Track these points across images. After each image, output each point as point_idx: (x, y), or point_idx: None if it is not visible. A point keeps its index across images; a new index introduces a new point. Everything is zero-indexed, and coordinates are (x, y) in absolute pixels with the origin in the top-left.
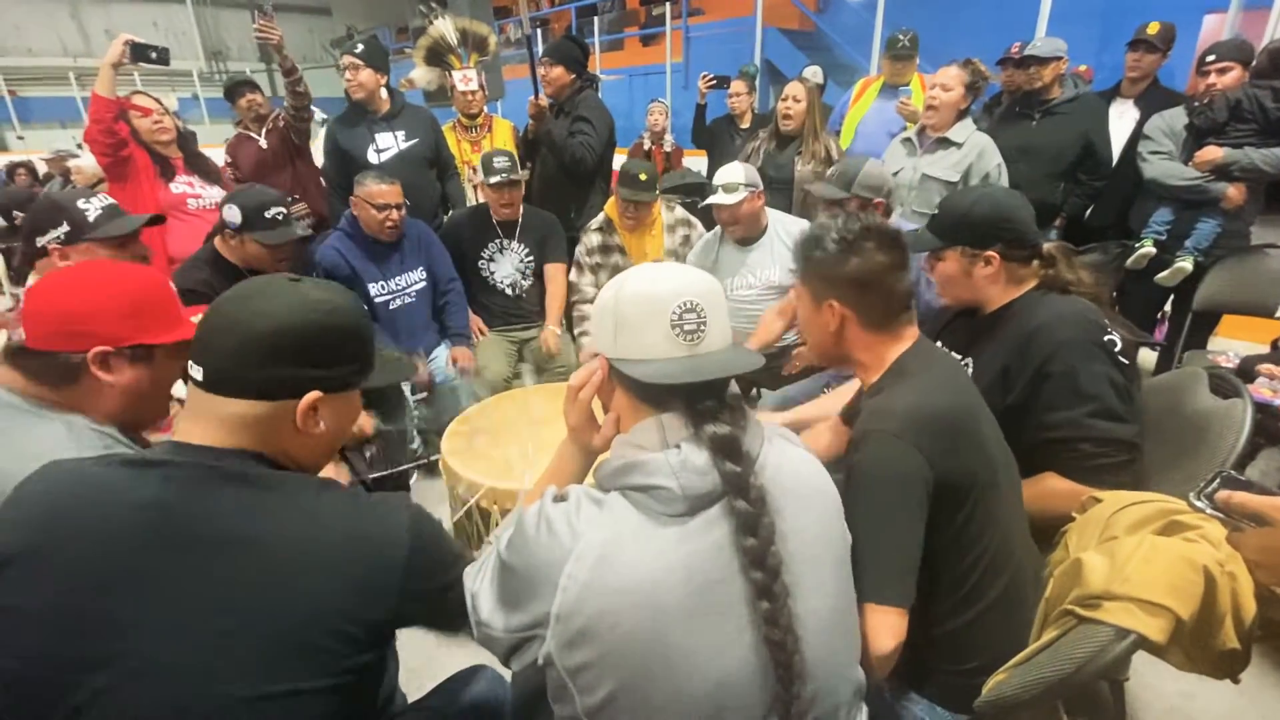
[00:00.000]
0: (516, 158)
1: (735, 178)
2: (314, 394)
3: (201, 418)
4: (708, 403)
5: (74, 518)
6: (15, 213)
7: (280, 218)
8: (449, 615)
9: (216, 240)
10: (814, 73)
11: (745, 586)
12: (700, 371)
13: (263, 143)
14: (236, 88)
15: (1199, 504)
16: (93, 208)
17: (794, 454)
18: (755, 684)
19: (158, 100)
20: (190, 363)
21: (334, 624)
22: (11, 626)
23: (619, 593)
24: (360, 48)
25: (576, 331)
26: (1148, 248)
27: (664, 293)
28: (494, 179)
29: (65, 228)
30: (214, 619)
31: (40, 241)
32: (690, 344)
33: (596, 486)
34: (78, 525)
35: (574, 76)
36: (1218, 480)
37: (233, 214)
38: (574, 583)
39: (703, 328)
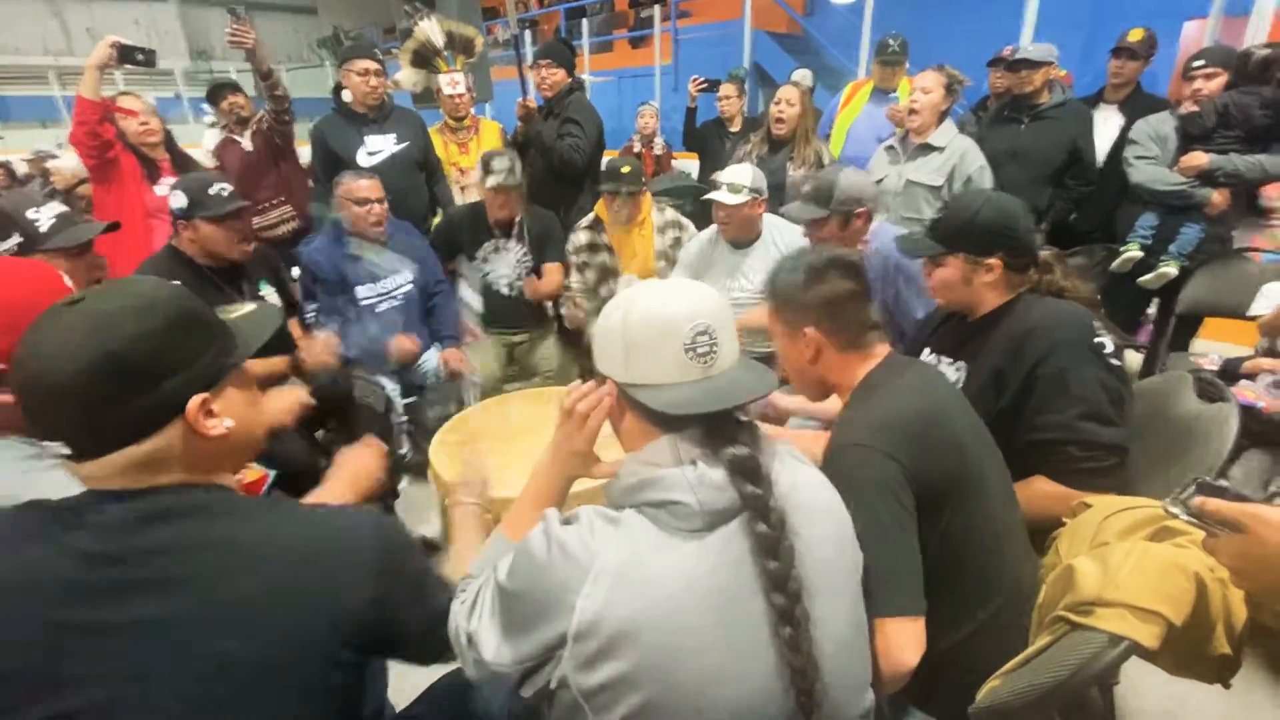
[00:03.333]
0: (518, 159)
1: (743, 179)
2: (194, 399)
3: (99, 479)
4: (726, 425)
5: (1, 577)
6: None
7: (225, 194)
8: (417, 643)
9: (176, 239)
10: (804, 76)
11: (764, 606)
12: (719, 397)
13: (247, 145)
14: (218, 90)
15: (1174, 510)
16: (43, 218)
17: (804, 473)
18: (775, 707)
19: (143, 100)
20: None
21: (307, 649)
22: None
23: (640, 610)
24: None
25: (564, 310)
26: (1133, 252)
27: (675, 317)
28: (491, 180)
29: (18, 238)
30: (176, 661)
31: None
32: (704, 366)
33: (608, 505)
34: (7, 582)
35: (570, 79)
36: (1194, 486)
37: (179, 200)
38: (592, 602)
39: (715, 349)
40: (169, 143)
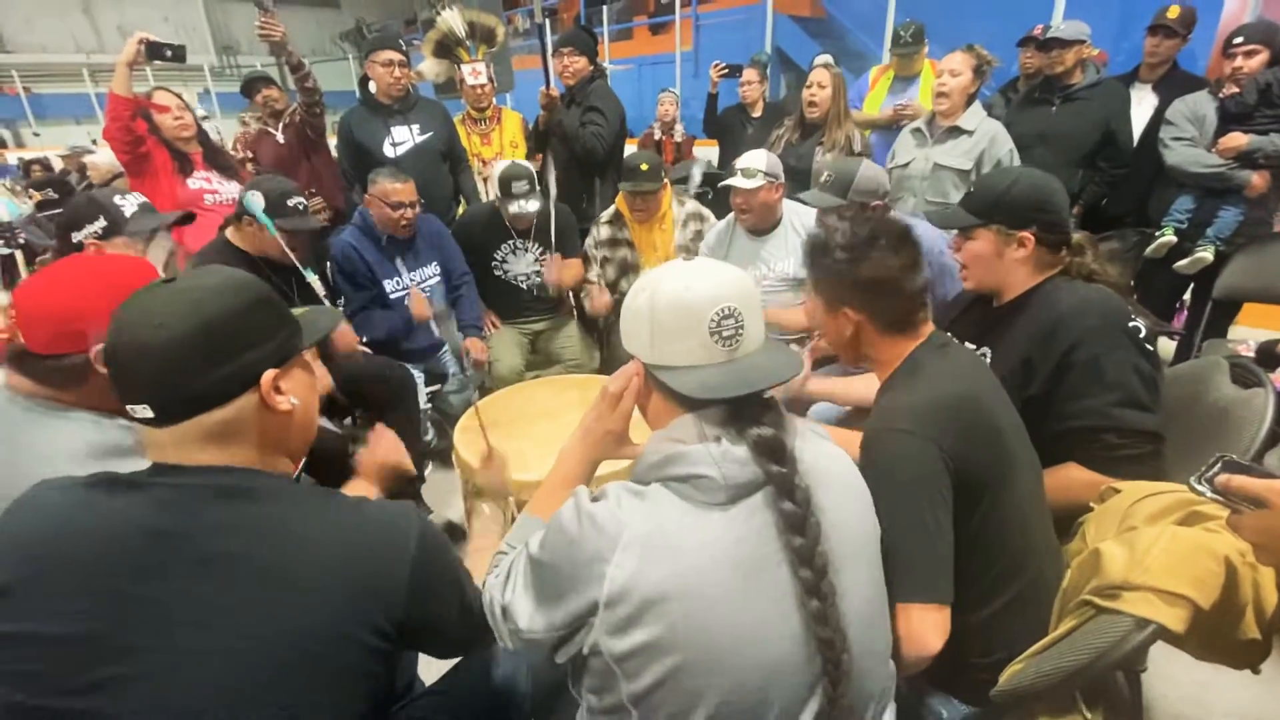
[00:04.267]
0: (535, 179)
1: (757, 164)
2: (270, 372)
3: (172, 447)
4: (750, 406)
5: (68, 544)
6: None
7: (301, 208)
8: (450, 630)
9: (229, 230)
10: (824, 59)
11: (790, 576)
12: (743, 381)
13: (280, 138)
14: (253, 83)
15: (1200, 488)
16: (129, 204)
17: (825, 449)
18: (801, 673)
19: (179, 96)
20: (129, 408)
21: (344, 638)
22: (12, 655)
23: (667, 578)
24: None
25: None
26: (1169, 236)
27: (701, 300)
28: (512, 207)
29: (102, 222)
30: (221, 640)
31: (77, 237)
32: (730, 349)
33: (635, 480)
34: (72, 552)
35: (592, 67)
36: (1219, 464)
37: (256, 199)
38: (622, 570)
39: (741, 332)
40: (202, 137)
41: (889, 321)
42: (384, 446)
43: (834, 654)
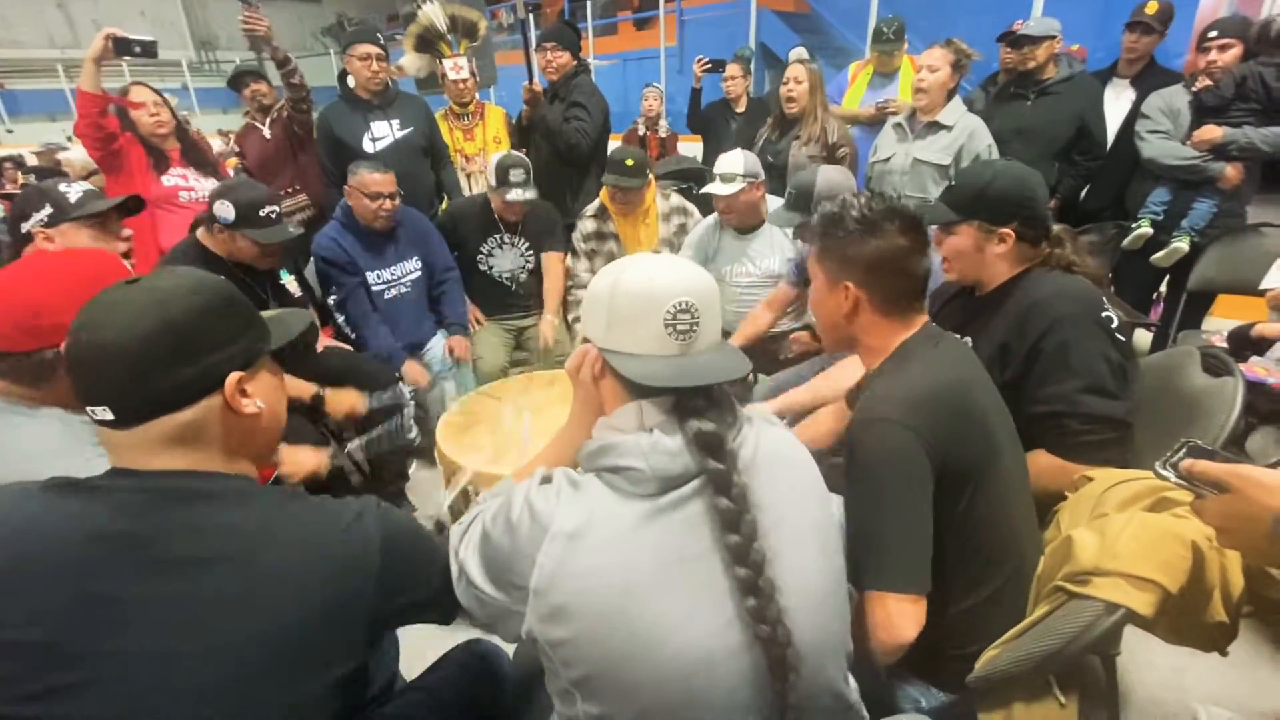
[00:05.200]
0: (531, 171)
1: (734, 168)
2: (234, 375)
3: (131, 450)
4: (696, 400)
5: (16, 551)
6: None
7: (273, 216)
8: (432, 612)
9: (200, 231)
10: (799, 53)
11: (722, 570)
12: (688, 375)
13: (266, 133)
14: (241, 77)
15: (1165, 473)
16: (74, 191)
17: (772, 435)
18: (735, 664)
19: (157, 92)
20: (88, 409)
21: (309, 639)
22: None
23: (590, 572)
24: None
25: (571, 317)
26: (1145, 228)
27: (660, 291)
28: (509, 194)
29: (48, 209)
30: (177, 644)
31: (25, 226)
32: (682, 343)
33: (578, 467)
34: (25, 558)
35: (575, 62)
36: (1184, 450)
37: (225, 210)
38: (550, 559)
39: (695, 328)
40: (180, 133)
41: (887, 301)
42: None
43: (777, 650)
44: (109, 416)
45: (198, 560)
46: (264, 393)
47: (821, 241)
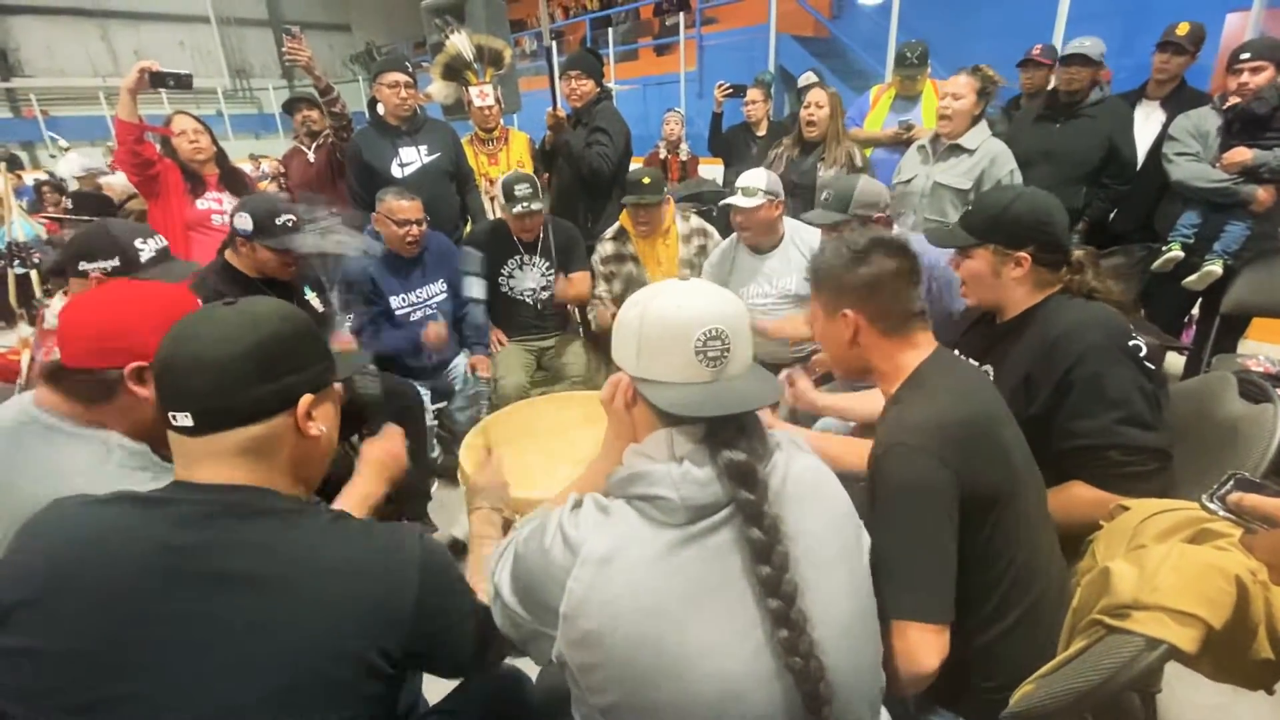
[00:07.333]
0: (538, 183)
1: (757, 183)
2: (307, 396)
3: (200, 460)
4: (727, 430)
5: (82, 561)
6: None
7: (290, 224)
8: (457, 650)
9: (228, 252)
10: (807, 78)
11: (753, 600)
12: (721, 403)
13: (311, 157)
14: (295, 102)
15: (1211, 506)
16: (147, 249)
17: (803, 463)
18: (770, 693)
19: (199, 120)
20: (171, 414)
21: (349, 660)
22: (18, 670)
23: (620, 597)
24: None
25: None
26: (1175, 251)
27: (689, 319)
28: (516, 208)
29: (116, 262)
30: (227, 658)
31: (86, 268)
32: (714, 370)
33: (607, 493)
34: (86, 568)
35: (598, 89)
36: (1231, 482)
37: (244, 221)
38: (580, 585)
39: (726, 354)
40: (220, 158)
41: (886, 323)
42: (394, 439)
43: (810, 683)
44: (188, 423)
45: (246, 576)
46: (326, 418)
47: (815, 276)
